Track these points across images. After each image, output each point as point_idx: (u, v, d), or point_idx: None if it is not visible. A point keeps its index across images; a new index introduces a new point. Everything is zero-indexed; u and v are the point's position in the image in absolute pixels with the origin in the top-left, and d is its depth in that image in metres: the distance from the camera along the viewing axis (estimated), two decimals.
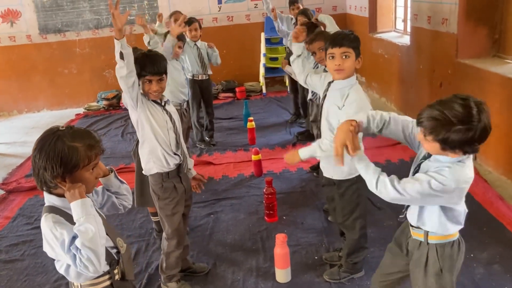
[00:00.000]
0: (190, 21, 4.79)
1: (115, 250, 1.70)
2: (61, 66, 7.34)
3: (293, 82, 5.37)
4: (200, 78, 4.93)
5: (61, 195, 1.56)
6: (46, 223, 1.52)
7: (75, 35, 7.19)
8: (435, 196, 1.61)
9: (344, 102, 2.37)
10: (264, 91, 7.20)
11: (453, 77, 4.34)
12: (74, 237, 1.49)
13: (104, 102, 7.13)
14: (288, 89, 6.47)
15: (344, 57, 2.31)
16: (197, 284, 2.78)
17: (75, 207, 1.51)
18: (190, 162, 2.70)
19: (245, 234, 3.30)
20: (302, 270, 2.83)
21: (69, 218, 1.54)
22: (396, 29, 6.33)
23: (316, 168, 4.17)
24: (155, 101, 2.50)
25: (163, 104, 2.53)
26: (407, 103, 5.37)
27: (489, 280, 2.58)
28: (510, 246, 2.86)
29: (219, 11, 7.26)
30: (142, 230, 3.46)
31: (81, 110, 7.21)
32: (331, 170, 2.53)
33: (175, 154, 2.56)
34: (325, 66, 3.17)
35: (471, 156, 1.60)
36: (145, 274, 2.91)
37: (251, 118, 5.12)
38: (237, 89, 7.15)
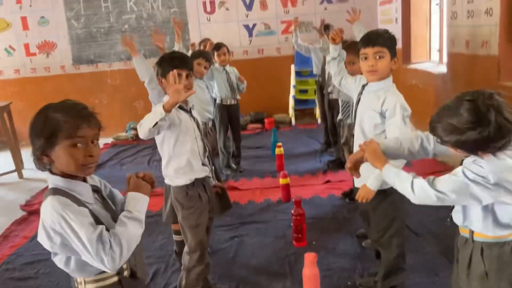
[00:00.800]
0: (218, 46, 4.76)
1: None
2: (92, 97, 7.40)
3: (323, 109, 5.20)
4: (228, 102, 4.82)
5: (66, 176, 1.40)
6: (53, 206, 1.34)
7: (107, 66, 7.31)
8: (475, 192, 1.41)
9: (381, 107, 2.19)
10: (293, 122, 7.05)
11: None
12: (91, 224, 1.34)
13: (133, 132, 7.10)
14: (319, 120, 6.33)
15: (378, 57, 2.16)
16: None
17: (143, 202, 1.45)
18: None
19: (271, 257, 3.05)
20: None
21: (75, 201, 1.37)
22: (431, 60, 6.15)
23: (348, 194, 3.92)
24: (181, 108, 2.37)
25: (189, 110, 2.41)
26: None
27: None
28: None
29: (249, 44, 7.28)
30: (162, 252, 3.26)
31: (109, 140, 7.19)
32: (364, 181, 2.30)
33: (203, 165, 2.43)
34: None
35: None
36: None
37: (279, 144, 4.94)
38: (265, 120, 7.02)
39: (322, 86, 5.14)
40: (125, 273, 1.50)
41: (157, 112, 2.13)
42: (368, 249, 3.00)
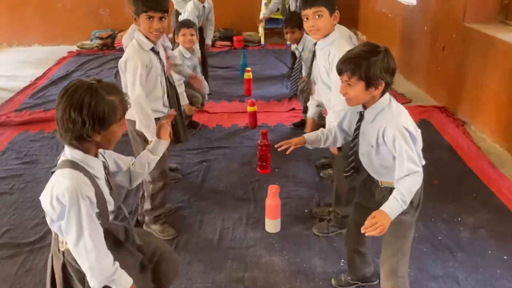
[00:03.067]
0: None
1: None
2: (55, 0, 7.06)
3: None
4: None
5: (86, 150, 1.51)
6: (71, 178, 1.43)
7: None
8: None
9: (328, 61, 2.38)
10: (262, 42, 7.04)
11: (457, 41, 4.26)
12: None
13: (98, 41, 6.92)
14: (288, 42, 6.34)
15: (317, 16, 2.31)
16: (185, 230, 2.79)
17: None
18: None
19: (237, 183, 3.30)
20: (292, 222, 2.86)
21: (87, 175, 1.49)
22: None
23: (299, 125, 4.13)
24: (153, 50, 2.42)
25: (158, 51, 2.46)
26: (408, 64, 5.30)
27: (473, 244, 2.63)
28: (498, 212, 2.91)
29: None
30: None
31: (74, 48, 7.00)
32: None
33: (164, 106, 2.58)
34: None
35: (393, 101, 1.79)
36: (134, 216, 2.91)
37: (248, 68, 5.03)
38: (234, 38, 6.98)
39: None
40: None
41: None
42: (326, 179, 3.30)
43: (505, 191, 3.09)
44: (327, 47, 2.36)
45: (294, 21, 3.69)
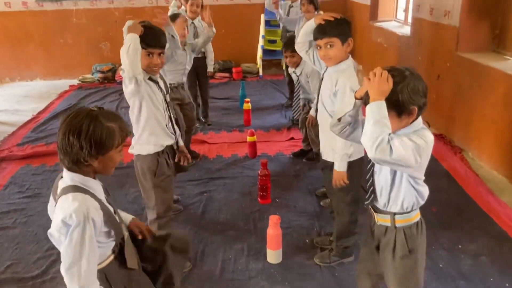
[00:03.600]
0: None
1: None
2: (57, 36, 7.22)
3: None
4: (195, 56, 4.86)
5: (84, 174, 1.55)
6: (78, 200, 1.47)
7: (72, 5, 7.06)
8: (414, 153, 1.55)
9: (335, 88, 2.40)
10: (260, 73, 7.17)
11: (451, 70, 4.35)
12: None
13: (99, 75, 7.05)
14: (284, 73, 6.46)
15: (328, 46, 2.36)
16: (188, 262, 2.80)
17: None
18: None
19: (237, 214, 3.32)
20: (293, 252, 2.86)
21: (93, 196, 1.53)
22: (397, 19, 6.31)
23: (298, 154, 4.20)
24: (151, 79, 2.49)
25: (157, 81, 2.53)
26: None
27: (475, 271, 2.63)
28: (498, 239, 2.92)
29: None
30: (134, 205, 3.46)
31: (75, 82, 7.12)
32: (330, 153, 2.54)
33: (171, 133, 2.61)
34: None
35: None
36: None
37: (247, 99, 5.11)
38: (233, 70, 7.11)
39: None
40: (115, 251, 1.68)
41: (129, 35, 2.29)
42: (326, 208, 3.31)
43: (505, 218, 3.11)
44: (336, 73, 2.41)
45: (294, 45, 3.74)
